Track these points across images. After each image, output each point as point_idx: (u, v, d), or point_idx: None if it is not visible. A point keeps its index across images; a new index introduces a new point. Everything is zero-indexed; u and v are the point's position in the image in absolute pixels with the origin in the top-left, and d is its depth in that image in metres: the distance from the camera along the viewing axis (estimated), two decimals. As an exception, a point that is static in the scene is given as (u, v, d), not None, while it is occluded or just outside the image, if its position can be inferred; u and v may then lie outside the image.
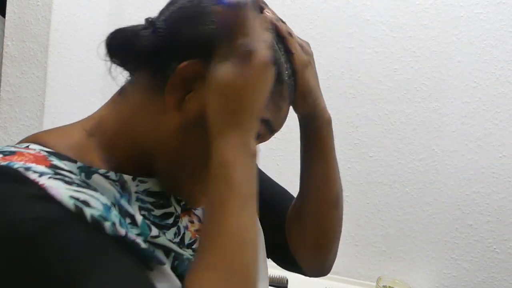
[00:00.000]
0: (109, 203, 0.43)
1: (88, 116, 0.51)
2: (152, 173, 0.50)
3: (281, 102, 0.51)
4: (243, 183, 0.41)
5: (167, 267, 0.45)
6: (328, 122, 0.61)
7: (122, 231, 0.41)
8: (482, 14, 1.29)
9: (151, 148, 0.48)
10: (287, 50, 0.52)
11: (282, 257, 0.69)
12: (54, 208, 0.38)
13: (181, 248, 0.50)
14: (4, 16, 1.21)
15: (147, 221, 0.46)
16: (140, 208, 0.47)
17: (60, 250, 0.36)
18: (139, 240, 0.43)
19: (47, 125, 1.19)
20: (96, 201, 0.41)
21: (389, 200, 1.38)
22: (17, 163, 0.40)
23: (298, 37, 0.57)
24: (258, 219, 0.43)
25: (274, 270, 1.37)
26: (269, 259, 0.70)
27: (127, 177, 0.47)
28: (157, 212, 0.50)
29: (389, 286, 1.25)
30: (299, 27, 1.37)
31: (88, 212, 0.39)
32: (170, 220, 0.51)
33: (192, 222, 0.55)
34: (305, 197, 0.64)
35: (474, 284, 1.35)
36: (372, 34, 1.35)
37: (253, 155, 0.43)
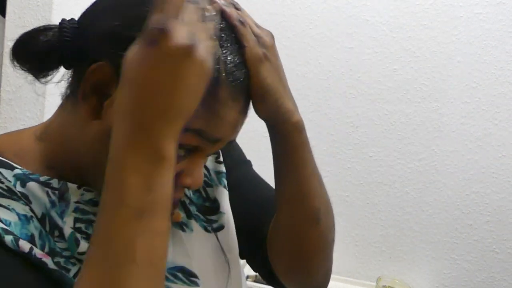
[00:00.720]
0: (29, 215, 0.40)
1: (42, 123, 0.49)
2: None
3: (217, 106, 0.41)
4: (138, 193, 0.33)
5: None
6: (297, 126, 0.50)
7: (26, 248, 0.38)
8: (482, 14, 1.29)
9: (80, 157, 0.44)
10: (235, 42, 0.43)
11: (264, 272, 0.62)
12: None
13: None
14: (4, 16, 1.21)
15: (79, 235, 0.42)
16: (77, 220, 0.43)
17: None
18: (48, 260, 0.39)
19: (47, 125, 1.19)
20: (10, 212, 0.39)
21: (389, 200, 1.38)
22: None
23: (257, 26, 0.47)
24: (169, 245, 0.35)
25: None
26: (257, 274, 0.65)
27: (71, 185, 0.44)
28: None
29: (389, 286, 1.25)
30: (299, 27, 1.38)
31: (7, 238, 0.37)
32: None
33: None
34: (279, 213, 0.55)
35: (474, 284, 1.35)
36: (372, 34, 1.35)
37: (162, 160, 0.34)
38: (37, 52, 0.42)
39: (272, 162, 0.53)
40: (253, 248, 0.60)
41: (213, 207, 0.57)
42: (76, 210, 0.44)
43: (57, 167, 0.45)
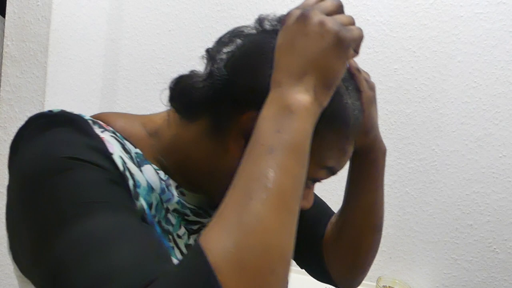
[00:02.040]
0: (154, 185, 0.46)
1: (146, 116, 0.54)
2: (196, 188, 0.52)
3: (347, 145, 0.50)
4: (269, 133, 0.38)
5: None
6: (384, 153, 0.62)
7: (155, 213, 0.44)
8: (482, 14, 1.29)
9: (204, 176, 0.50)
10: (356, 89, 0.51)
11: (316, 270, 0.70)
12: (104, 162, 0.41)
13: None
14: (4, 16, 1.21)
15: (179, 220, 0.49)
16: (175, 211, 0.50)
17: (83, 189, 0.38)
18: (158, 228, 0.45)
19: (47, 125, 1.19)
20: (142, 176, 0.44)
21: (389, 200, 1.38)
22: (87, 117, 0.45)
23: (362, 70, 0.55)
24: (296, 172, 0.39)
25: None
26: (303, 269, 0.72)
27: (172, 182, 0.50)
28: (192, 218, 0.52)
29: (389, 286, 1.25)
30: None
31: (130, 182, 0.43)
32: (195, 227, 0.53)
33: None
34: (349, 221, 0.64)
35: (474, 284, 1.35)
36: (372, 34, 1.35)
37: (289, 109, 0.39)
38: (193, 100, 0.48)
39: (348, 180, 0.63)
40: (307, 248, 0.67)
41: None
42: (178, 202, 0.49)
43: (163, 163, 0.50)
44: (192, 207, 0.51)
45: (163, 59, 1.46)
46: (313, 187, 0.54)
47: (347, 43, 0.41)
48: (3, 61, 1.19)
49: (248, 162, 0.38)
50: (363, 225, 0.63)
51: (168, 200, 0.48)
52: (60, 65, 1.23)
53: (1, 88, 1.21)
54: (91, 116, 0.50)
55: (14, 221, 0.41)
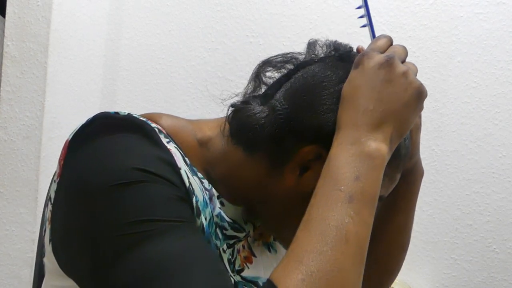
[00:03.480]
0: (207, 199, 0.45)
1: (196, 122, 0.52)
2: (240, 203, 0.52)
3: (397, 175, 0.51)
4: (349, 179, 0.38)
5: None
6: (422, 176, 0.63)
7: (208, 231, 0.44)
8: (482, 14, 1.29)
9: (255, 196, 0.49)
10: None
11: None
12: (174, 177, 0.40)
13: (231, 272, 0.51)
14: (4, 16, 1.21)
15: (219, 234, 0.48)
16: (215, 224, 0.49)
17: (155, 210, 0.37)
18: (215, 249, 0.45)
19: (47, 125, 1.19)
20: (200, 191, 0.44)
21: (389, 200, 1.38)
22: (153, 124, 0.44)
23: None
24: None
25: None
26: None
27: (215, 192, 0.49)
28: (230, 232, 0.51)
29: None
30: (299, 27, 1.37)
31: (194, 199, 0.42)
32: (231, 241, 0.52)
33: (244, 247, 0.55)
34: (379, 240, 0.63)
35: (474, 284, 1.35)
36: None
37: (368, 156, 0.40)
38: (257, 138, 0.47)
39: (385, 202, 0.62)
40: None
41: None
42: (218, 214, 0.48)
43: (211, 175, 0.49)
44: (230, 220, 0.50)
45: (163, 59, 1.46)
46: None
47: (425, 97, 0.44)
48: (3, 61, 1.19)
49: (326, 207, 0.38)
50: (392, 244, 0.63)
51: (213, 211, 0.48)
52: (60, 65, 1.23)
53: (1, 88, 1.21)
54: (140, 115, 0.49)
55: (68, 224, 0.40)
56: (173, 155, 0.42)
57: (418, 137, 0.59)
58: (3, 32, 1.21)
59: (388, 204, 0.62)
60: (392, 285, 1.24)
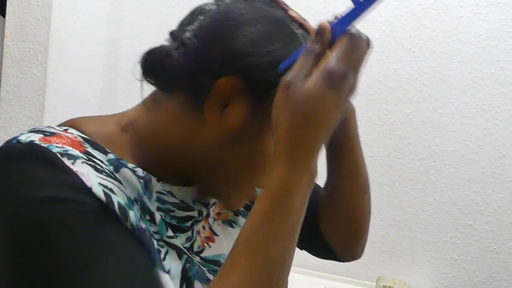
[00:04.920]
0: (132, 198, 0.44)
1: (121, 113, 0.52)
2: (182, 178, 0.51)
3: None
4: (300, 208, 0.41)
5: (169, 278, 0.46)
6: (353, 112, 0.62)
7: (143, 224, 0.43)
8: (482, 14, 1.29)
9: (187, 157, 0.49)
10: None
11: (317, 246, 0.70)
12: (85, 197, 0.39)
13: (190, 253, 0.51)
14: (4, 16, 1.21)
15: (164, 221, 0.47)
16: (158, 209, 0.48)
17: (76, 237, 0.37)
18: (154, 240, 0.45)
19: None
20: (122, 193, 0.42)
21: (389, 200, 1.38)
22: (56, 146, 0.42)
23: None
24: None
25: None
26: (303, 250, 0.72)
27: (153, 177, 0.48)
28: (179, 213, 0.51)
29: (389, 286, 1.25)
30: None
31: (115, 199, 0.41)
32: (189, 223, 0.52)
33: (204, 228, 0.56)
34: (337, 186, 0.65)
35: (474, 284, 1.35)
36: (372, 34, 1.35)
37: (314, 178, 0.42)
38: (168, 70, 0.46)
39: (327, 145, 0.63)
40: (306, 227, 0.68)
41: None
42: (157, 199, 0.48)
43: (141, 158, 0.49)
44: (175, 201, 0.50)
45: (163, 59, 1.46)
46: None
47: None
48: (3, 61, 1.19)
49: (272, 238, 0.40)
50: (350, 186, 0.64)
51: (149, 199, 0.47)
52: (60, 65, 1.23)
53: (1, 88, 1.21)
54: (61, 124, 0.49)
55: None
56: (80, 175, 0.40)
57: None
58: (3, 32, 1.21)
59: (333, 148, 0.63)
60: (392, 285, 1.25)
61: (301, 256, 1.46)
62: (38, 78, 1.18)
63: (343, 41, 0.40)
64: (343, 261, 0.71)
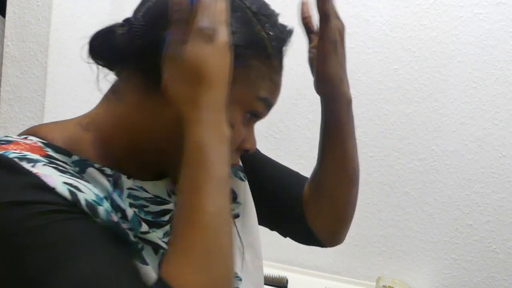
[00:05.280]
0: (101, 195, 0.43)
1: (84, 114, 0.52)
2: (153, 172, 0.51)
3: (275, 76, 0.52)
4: (218, 165, 0.41)
5: (150, 268, 0.45)
6: (349, 105, 0.62)
7: (115, 218, 0.43)
8: (482, 14, 1.29)
9: (154, 144, 0.48)
10: (281, 24, 0.55)
11: (300, 232, 0.70)
12: (50, 197, 0.39)
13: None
14: (4, 16, 1.21)
15: (137, 217, 0.47)
16: (131, 205, 0.48)
17: (46, 237, 0.37)
18: (130, 232, 0.44)
19: (47, 125, 1.19)
20: (89, 190, 0.42)
21: (389, 200, 1.38)
22: (12, 152, 0.41)
23: (335, 13, 0.59)
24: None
25: (274, 270, 1.37)
26: (288, 237, 0.72)
27: (122, 175, 0.48)
28: (153, 208, 0.50)
29: (389, 286, 1.25)
30: (299, 27, 1.37)
31: (82, 196, 0.40)
32: (166, 217, 0.52)
33: None
34: (324, 173, 0.65)
35: (474, 284, 1.35)
36: (372, 34, 1.35)
37: (226, 137, 0.42)
38: (114, 49, 0.47)
39: (321, 133, 0.64)
40: (291, 214, 0.68)
41: (231, 197, 0.64)
42: (129, 195, 0.48)
43: (108, 156, 0.48)
44: (149, 196, 0.50)
45: (163, 59, 1.46)
46: (252, 127, 0.55)
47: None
48: (3, 61, 1.19)
49: (203, 196, 0.39)
50: (338, 175, 0.64)
51: (120, 197, 0.47)
52: (60, 65, 1.23)
53: (1, 88, 1.21)
54: (21, 133, 0.48)
55: None
56: (42, 177, 0.39)
57: (330, 63, 0.58)
58: (3, 32, 1.21)
59: (325, 136, 0.64)
60: (392, 285, 1.25)
61: (301, 256, 1.47)
62: (38, 78, 1.18)
63: (200, 2, 0.43)
64: (326, 247, 0.72)
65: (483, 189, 1.33)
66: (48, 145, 0.45)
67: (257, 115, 0.53)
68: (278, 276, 1.31)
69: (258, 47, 0.49)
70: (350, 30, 1.38)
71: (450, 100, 1.33)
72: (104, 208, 0.41)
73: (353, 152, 0.64)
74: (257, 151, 0.72)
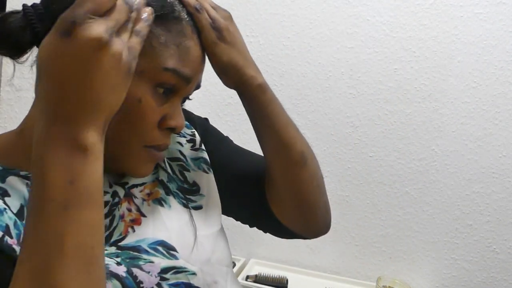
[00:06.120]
0: (2, 207, 0.42)
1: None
2: None
3: (186, 41, 0.48)
4: (61, 185, 0.34)
5: None
6: (261, 88, 0.58)
7: (1, 231, 0.40)
8: (482, 14, 1.29)
9: None
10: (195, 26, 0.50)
11: (271, 224, 0.67)
12: None
13: (107, 243, 0.49)
14: (4, 16, 1.21)
15: None
16: None
17: None
18: (18, 247, 0.40)
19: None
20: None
21: (389, 200, 1.38)
22: None
23: (215, 7, 0.55)
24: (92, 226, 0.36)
25: (274, 270, 1.37)
26: (267, 233, 0.70)
27: None
28: None
29: (389, 286, 1.25)
30: (299, 27, 1.38)
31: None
32: (105, 210, 0.49)
33: (129, 210, 0.53)
34: (269, 163, 0.62)
35: (474, 284, 1.35)
36: (372, 34, 1.35)
37: (83, 150, 0.35)
38: (8, 34, 0.44)
39: (251, 124, 0.61)
40: (257, 208, 0.65)
41: (192, 189, 0.62)
42: None
43: None
44: None
45: (163, 59, 1.45)
46: (177, 103, 0.50)
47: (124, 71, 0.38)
48: (3, 61, 1.19)
49: (40, 221, 0.33)
50: (283, 162, 0.60)
51: None
52: (60, 65, 1.23)
53: (1, 88, 1.21)
54: None
55: None
56: None
57: (221, 51, 0.54)
58: (3, 32, 1.21)
59: (254, 127, 0.61)
60: (392, 285, 1.25)
61: (301, 256, 1.46)
62: (38, 78, 1.18)
63: None
64: (308, 238, 0.68)
65: (483, 189, 1.33)
66: None
67: (172, 89, 0.48)
68: (278, 276, 1.31)
69: (160, 12, 0.45)
70: (350, 30, 1.39)
71: (450, 100, 1.32)
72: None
73: (290, 135, 0.60)
74: (227, 142, 0.71)
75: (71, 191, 0.34)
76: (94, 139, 0.36)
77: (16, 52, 0.47)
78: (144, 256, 0.50)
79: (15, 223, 0.42)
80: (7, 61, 1.20)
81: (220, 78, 0.58)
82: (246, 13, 1.40)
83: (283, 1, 1.38)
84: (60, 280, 0.32)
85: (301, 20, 1.38)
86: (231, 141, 0.72)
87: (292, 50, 1.39)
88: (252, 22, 1.39)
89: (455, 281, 1.36)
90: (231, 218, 0.70)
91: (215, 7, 0.55)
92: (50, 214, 0.33)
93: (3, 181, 0.44)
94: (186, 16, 0.49)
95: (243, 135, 1.46)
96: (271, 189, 0.64)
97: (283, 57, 1.39)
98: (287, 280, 1.30)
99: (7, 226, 0.41)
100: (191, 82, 0.50)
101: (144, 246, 0.51)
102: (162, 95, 0.48)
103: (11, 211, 0.43)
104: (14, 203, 0.43)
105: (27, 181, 0.45)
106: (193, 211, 0.59)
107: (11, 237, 0.41)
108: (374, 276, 1.33)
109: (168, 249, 0.53)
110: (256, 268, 1.40)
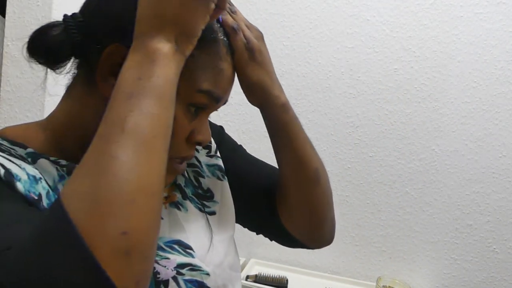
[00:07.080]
0: (38, 176, 0.45)
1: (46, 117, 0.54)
2: None
3: (221, 63, 0.50)
4: (131, 80, 0.38)
5: None
6: (284, 108, 0.60)
7: (35, 195, 0.43)
8: (482, 14, 1.29)
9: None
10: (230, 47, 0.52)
11: (280, 236, 0.69)
12: None
13: None
14: (4, 16, 1.21)
15: None
16: None
17: None
18: None
19: (47, 125, 1.20)
20: (21, 170, 0.43)
21: (389, 200, 1.38)
22: None
23: (248, 26, 0.57)
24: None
25: (274, 270, 1.37)
26: (273, 241, 0.71)
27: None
28: None
29: (389, 286, 1.25)
30: (299, 27, 1.38)
31: (1, 170, 0.42)
32: None
33: None
34: (284, 179, 0.63)
35: (474, 284, 1.35)
36: (372, 34, 1.35)
37: (152, 55, 0.40)
38: (49, 46, 0.47)
39: (270, 139, 0.62)
40: (267, 218, 0.67)
41: (206, 195, 0.64)
42: None
43: (64, 151, 0.50)
44: None
45: (163, 59, 1.46)
46: (205, 118, 0.53)
47: None
48: (3, 61, 1.19)
49: (108, 109, 0.38)
50: (297, 179, 0.62)
51: None
52: (60, 65, 1.23)
53: (1, 88, 1.21)
54: None
55: None
56: None
57: (251, 71, 0.56)
58: (3, 32, 1.21)
59: (273, 145, 0.63)
60: (392, 285, 1.25)
61: (301, 256, 1.46)
62: (38, 78, 1.18)
63: None
64: (312, 248, 0.70)
65: (483, 189, 1.33)
66: (4, 139, 0.47)
67: (203, 107, 0.51)
68: (278, 276, 1.31)
69: (207, 37, 0.48)
70: (350, 30, 1.39)
71: (450, 100, 1.33)
72: (23, 184, 0.43)
73: (307, 153, 0.62)
74: (241, 150, 0.72)
75: (138, 85, 0.38)
76: (164, 48, 0.40)
77: (55, 63, 0.49)
78: (160, 253, 0.52)
79: (47, 193, 0.44)
80: (7, 61, 1.20)
81: (246, 96, 0.59)
82: (246, 13, 1.40)
83: (283, 1, 1.38)
84: (117, 152, 0.35)
85: (301, 20, 1.38)
86: (245, 150, 0.73)
87: (292, 50, 1.39)
88: (252, 22, 1.39)
89: (455, 281, 1.36)
90: None
91: (249, 26, 0.58)
92: (116, 101, 0.38)
93: (35, 162, 0.46)
94: (222, 36, 0.50)
95: (243, 135, 1.47)
96: (283, 202, 0.65)
97: (283, 57, 1.39)
98: (287, 280, 1.30)
99: (39, 195, 0.43)
100: (221, 101, 0.52)
101: (161, 244, 0.53)
102: (193, 112, 0.50)
103: (46, 181, 0.45)
104: (36, 174, 0.45)
105: (56, 165, 0.47)
106: (208, 216, 0.61)
107: (43, 205, 0.44)
108: (374, 276, 1.33)
109: (184, 247, 0.55)
110: (256, 268, 1.41)
